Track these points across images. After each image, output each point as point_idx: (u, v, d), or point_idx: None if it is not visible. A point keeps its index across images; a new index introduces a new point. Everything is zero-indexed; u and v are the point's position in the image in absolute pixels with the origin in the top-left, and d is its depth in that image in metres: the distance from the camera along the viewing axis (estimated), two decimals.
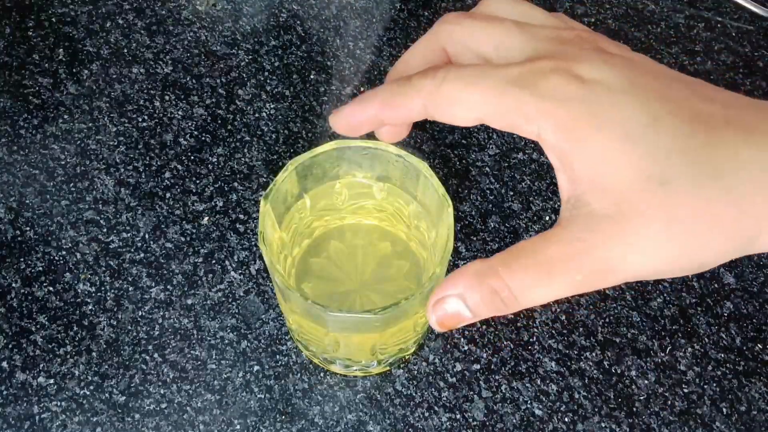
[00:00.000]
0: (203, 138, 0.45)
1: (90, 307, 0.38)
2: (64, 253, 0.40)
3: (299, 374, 0.37)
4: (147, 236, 0.41)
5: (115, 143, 0.44)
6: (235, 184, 0.43)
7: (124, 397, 0.36)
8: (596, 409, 0.37)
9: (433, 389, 0.37)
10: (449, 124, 0.22)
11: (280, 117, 0.46)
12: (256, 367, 0.37)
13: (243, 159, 0.44)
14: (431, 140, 0.46)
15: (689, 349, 0.39)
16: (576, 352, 0.38)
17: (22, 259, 0.40)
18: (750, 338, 0.39)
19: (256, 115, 0.46)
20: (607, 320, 0.39)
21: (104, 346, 0.37)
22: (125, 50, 0.49)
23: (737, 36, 0.52)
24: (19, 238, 0.40)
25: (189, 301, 0.39)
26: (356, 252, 0.36)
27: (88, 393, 0.36)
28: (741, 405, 0.37)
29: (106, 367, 0.37)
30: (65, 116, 0.45)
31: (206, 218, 0.42)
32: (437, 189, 0.32)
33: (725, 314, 0.40)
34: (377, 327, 0.31)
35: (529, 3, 0.25)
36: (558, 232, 0.20)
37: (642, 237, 0.19)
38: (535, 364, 0.38)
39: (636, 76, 0.20)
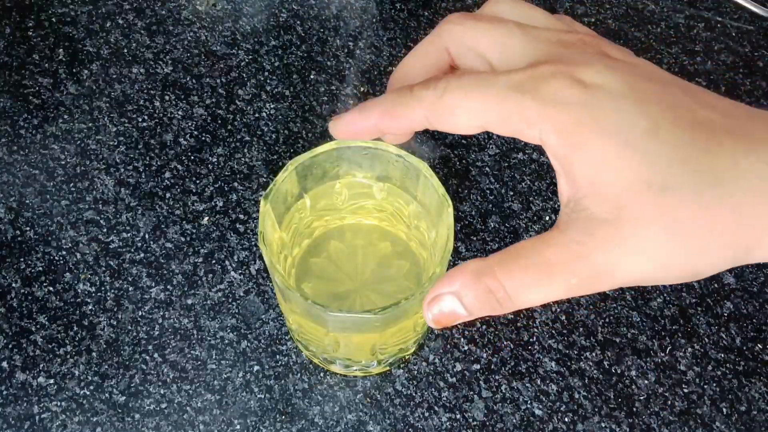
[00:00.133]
0: (203, 138, 0.45)
1: (90, 307, 0.38)
2: (64, 253, 0.40)
3: (299, 374, 0.37)
4: (147, 236, 0.41)
5: (115, 143, 0.44)
6: (235, 184, 0.43)
7: (124, 397, 0.36)
8: (596, 409, 0.37)
9: (433, 389, 0.37)
10: (452, 133, 0.22)
11: (280, 117, 0.46)
12: (256, 367, 0.37)
13: (243, 159, 0.44)
14: (431, 140, 0.46)
15: (689, 349, 0.39)
16: (576, 352, 0.38)
17: (22, 259, 0.40)
18: (750, 338, 0.39)
19: (256, 115, 0.46)
20: (607, 320, 0.39)
21: (104, 346, 0.37)
22: (125, 50, 0.49)
23: (737, 36, 0.52)
24: (19, 238, 0.40)
25: (189, 301, 0.39)
26: (356, 252, 0.36)
27: (88, 393, 0.36)
28: (741, 405, 0.37)
29: (106, 367, 0.37)
30: (65, 116, 0.45)
31: (206, 218, 0.42)
32: (437, 189, 0.32)
33: (725, 314, 0.40)
34: (377, 327, 0.31)
35: (533, 5, 0.25)
36: (556, 235, 0.21)
37: (639, 243, 0.19)
38: (535, 364, 0.38)
39: (637, 82, 0.20)
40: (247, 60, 0.49)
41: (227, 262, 0.40)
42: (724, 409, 0.37)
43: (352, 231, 0.37)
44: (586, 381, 0.37)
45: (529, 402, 0.37)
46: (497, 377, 0.37)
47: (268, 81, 0.48)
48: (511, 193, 0.44)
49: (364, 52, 0.50)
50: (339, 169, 0.35)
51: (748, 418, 0.37)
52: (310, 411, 0.36)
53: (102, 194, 0.42)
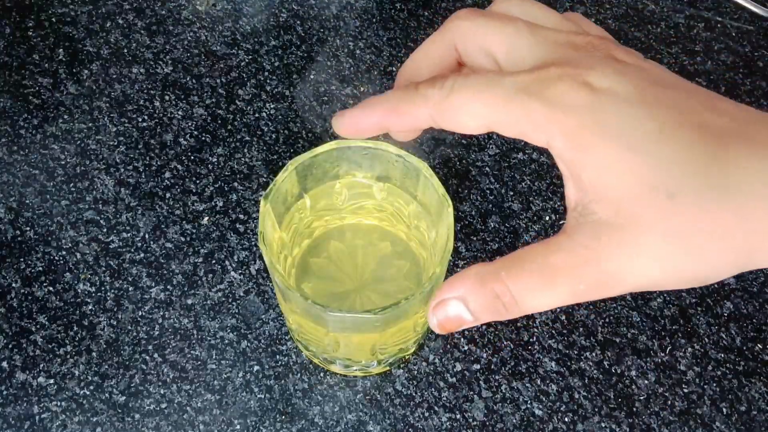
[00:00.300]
0: (203, 138, 0.45)
1: (90, 307, 0.38)
2: (64, 253, 0.40)
3: (299, 374, 0.37)
4: (147, 236, 0.41)
5: (115, 143, 0.44)
6: (235, 184, 0.43)
7: (124, 397, 0.36)
8: (596, 409, 0.37)
9: (433, 389, 0.37)
10: (457, 132, 0.22)
11: (280, 117, 0.46)
12: (256, 367, 0.37)
13: (243, 159, 0.44)
14: (431, 140, 0.46)
15: (689, 349, 0.39)
16: (576, 352, 0.38)
17: (22, 259, 0.40)
18: (750, 338, 0.39)
19: (256, 115, 0.46)
20: (607, 320, 0.39)
21: (104, 346, 0.37)
22: (125, 50, 0.49)
23: (737, 36, 0.52)
24: (19, 238, 0.40)
25: (189, 301, 0.39)
26: (356, 252, 0.36)
27: (88, 393, 0.36)
28: (741, 405, 0.37)
29: (106, 367, 0.37)
30: (65, 116, 0.45)
31: (206, 218, 0.42)
32: (437, 189, 0.32)
33: (725, 314, 0.40)
34: (377, 327, 0.31)
35: (543, 5, 0.25)
36: (563, 240, 0.20)
37: (645, 248, 0.19)
38: (535, 364, 0.38)
39: (646, 86, 0.20)
40: (247, 60, 0.49)
41: (227, 262, 0.40)
42: (724, 409, 0.37)
43: (352, 231, 0.37)
44: (586, 381, 0.37)
45: (529, 402, 0.37)
46: (497, 377, 0.37)
47: (268, 81, 0.48)
48: (511, 193, 0.44)
49: (364, 52, 0.50)
50: (339, 169, 0.35)
51: (748, 418, 0.37)
52: (310, 411, 0.36)
53: (102, 194, 0.42)
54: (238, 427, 0.35)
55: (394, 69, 0.49)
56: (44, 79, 0.47)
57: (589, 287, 0.20)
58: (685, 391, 0.37)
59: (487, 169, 0.45)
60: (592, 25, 0.24)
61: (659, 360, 0.38)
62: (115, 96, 0.47)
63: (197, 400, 0.36)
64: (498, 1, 0.25)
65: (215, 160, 0.44)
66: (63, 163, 0.43)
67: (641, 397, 0.37)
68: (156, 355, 0.37)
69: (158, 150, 0.44)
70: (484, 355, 0.38)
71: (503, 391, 0.37)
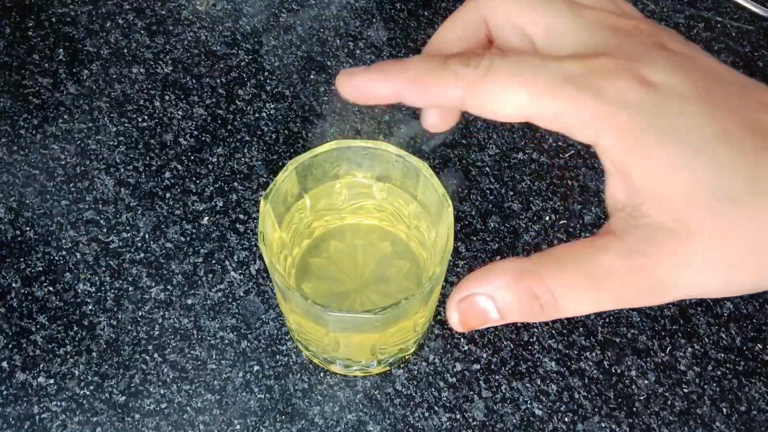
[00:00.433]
0: (203, 138, 0.45)
1: (90, 307, 0.38)
2: (64, 253, 0.40)
3: (299, 374, 0.37)
4: (147, 236, 0.41)
5: (115, 143, 0.44)
6: (235, 184, 0.43)
7: (124, 397, 0.36)
8: (596, 409, 0.37)
9: (433, 389, 0.37)
10: (488, 119, 0.20)
11: (280, 117, 0.46)
12: (256, 367, 0.37)
13: (243, 159, 0.44)
14: (431, 140, 0.46)
15: (689, 349, 0.39)
16: (576, 352, 0.38)
17: (22, 259, 0.40)
18: (750, 338, 0.39)
19: (256, 115, 0.46)
20: (607, 320, 0.39)
21: (104, 346, 0.37)
22: (125, 50, 0.49)
23: (737, 36, 0.52)
24: (19, 238, 0.40)
25: (189, 301, 0.39)
26: (356, 252, 0.36)
27: (88, 393, 0.36)
28: (741, 405, 0.37)
29: (106, 367, 0.37)
30: (65, 116, 0.45)
31: (206, 218, 0.42)
32: (437, 189, 0.32)
33: (725, 314, 0.40)
34: (377, 327, 0.31)
35: None
36: (613, 242, 0.19)
37: (706, 258, 0.18)
38: (535, 364, 0.38)
39: (700, 80, 0.19)
40: (247, 60, 0.49)
41: (227, 262, 0.40)
42: (724, 409, 0.37)
43: (352, 231, 0.37)
44: (586, 381, 0.37)
45: (529, 402, 0.37)
46: (497, 377, 0.37)
47: (268, 81, 0.48)
48: (511, 193, 0.44)
49: (364, 52, 0.50)
50: (339, 169, 0.35)
51: (748, 418, 0.37)
52: (310, 411, 0.36)
53: (102, 194, 0.42)
54: (238, 427, 0.35)
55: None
56: (44, 79, 0.47)
57: (637, 294, 0.19)
58: (685, 391, 0.37)
59: (487, 169, 0.45)
60: (630, 6, 0.23)
61: (659, 360, 0.38)
62: (115, 96, 0.47)
63: (197, 400, 0.36)
64: None
65: (215, 160, 0.44)
66: (63, 163, 0.43)
67: (641, 397, 0.37)
68: (156, 355, 0.37)
69: (158, 150, 0.44)
70: (484, 355, 0.38)
71: (503, 391, 0.37)
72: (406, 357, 0.37)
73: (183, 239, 0.41)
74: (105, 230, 0.41)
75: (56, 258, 0.40)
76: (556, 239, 0.42)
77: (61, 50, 0.48)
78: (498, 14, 0.22)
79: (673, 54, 0.20)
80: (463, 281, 0.21)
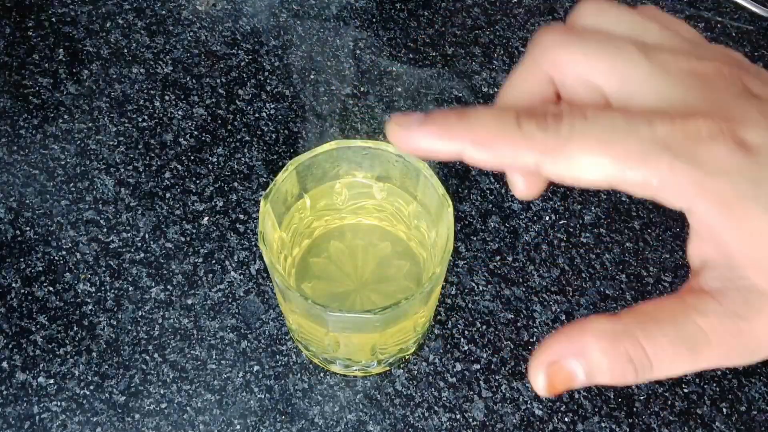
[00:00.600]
0: (203, 138, 0.45)
1: (90, 307, 0.38)
2: (64, 253, 0.40)
3: (299, 374, 0.37)
4: (147, 236, 0.41)
5: (115, 143, 0.44)
6: (235, 184, 0.43)
7: (124, 397, 0.36)
8: (596, 409, 0.37)
9: (433, 389, 0.37)
10: (567, 185, 0.19)
11: (280, 117, 0.46)
12: (256, 367, 0.37)
13: (243, 159, 0.44)
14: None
15: None
16: None
17: (22, 259, 0.40)
18: None
19: (256, 115, 0.46)
20: None
21: (104, 346, 0.37)
22: (125, 50, 0.49)
23: (737, 36, 0.52)
24: (19, 238, 0.40)
25: (189, 301, 0.39)
26: (356, 252, 0.36)
27: (88, 393, 0.36)
28: (741, 405, 0.37)
29: (106, 367, 0.37)
30: (65, 116, 0.45)
31: (206, 218, 0.42)
32: (437, 189, 0.32)
33: None
34: (377, 327, 0.31)
35: (636, 8, 0.21)
36: (710, 304, 0.18)
37: None
38: None
39: None
40: (247, 60, 0.49)
41: (227, 262, 0.40)
42: (724, 409, 0.37)
43: (352, 231, 0.37)
44: None
45: (529, 402, 0.37)
46: (497, 377, 0.37)
47: (268, 81, 0.48)
48: (511, 193, 0.44)
49: (364, 52, 0.50)
50: (339, 169, 0.35)
51: (748, 418, 0.37)
52: (310, 411, 0.36)
53: (102, 194, 0.42)
54: (238, 427, 0.35)
55: (394, 69, 0.49)
56: (44, 79, 0.47)
57: (734, 355, 0.18)
58: (685, 391, 0.37)
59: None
60: (688, 29, 0.21)
61: None
62: (115, 96, 0.47)
63: (197, 400, 0.36)
64: (584, 9, 0.21)
65: (215, 160, 0.44)
66: (63, 163, 0.43)
67: (641, 397, 0.37)
68: (156, 355, 0.37)
69: (158, 150, 0.44)
70: (484, 355, 0.38)
71: (503, 391, 0.37)
72: (406, 357, 0.37)
73: (183, 239, 0.41)
74: (105, 230, 0.41)
75: (56, 258, 0.40)
76: (556, 239, 0.42)
77: (61, 50, 0.48)
78: (564, 71, 0.20)
79: (763, 105, 0.19)
80: (550, 342, 0.19)
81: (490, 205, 0.43)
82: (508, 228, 0.42)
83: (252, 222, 0.42)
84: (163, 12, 0.51)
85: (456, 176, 0.44)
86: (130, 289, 0.39)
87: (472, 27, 0.52)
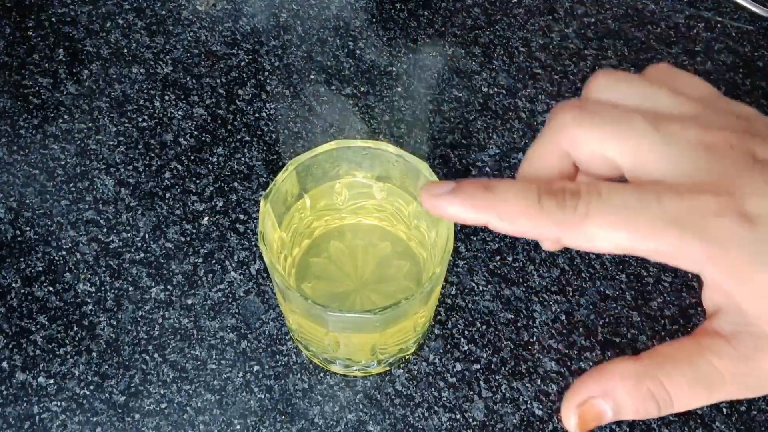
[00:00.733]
0: (203, 138, 0.45)
1: (90, 307, 0.38)
2: (64, 253, 0.40)
3: (299, 374, 0.37)
4: (147, 236, 0.41)
5: (115, 143, 0.44)
6: (235, 184, 0.43)
7: (124, 397, 0.36)
8: None
9: (433, 389, 0.37)
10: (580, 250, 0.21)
11: (280, 117, 0.46)
12: (256, 367, 0.37)
13: (243, 159, 0.44)
14: (431, 140, 0.46)
15: None
16: (576, 352, 0.38)
17: (22, 259, 0.40)
18: None
19: (256, 115, 0.46)
20: (607, 320, 0.39)
21: (104, 346, 0.37)
22: (125, 50, 0.49)
23: (737, 36, 0.52)
24: (19, 238, 0.40)
25: (189, 301, 0.39)
26: (356, 252, 0.36)
27: (88, 393, 0.36)
28: (741, 405, 0.37)
29: (106, 367, 0.37)
30: (65, 116, 0.45)
31: (206, 218, 0.42)
32: None
33: None
34: (377, 327, 0.31)
35: (636, 77, 0.22)
36: (724, 346, 0.20)
37: None
38: (535, 364, 0.38)
39: None
40: (247, 60, 0.49)
41: (227, 262, 0.40)
42: (724, 409, 0.37)
43: (352, 231, 0.37)
44: None
45: (529, 402, 0.37)
46: (497, 377, 0.37)
47: (268, 81, 0.48)
48: None
49: (364, 52, 0.50)
50: (339, 169, 0.35)
51: (748, 418, 0.37)
52: (310, 411, 0.36)
53: (102, 194, 0.42)
54: (238, 427, 0.35)
55: (394, 69, 0.49)
56: (44, 79, 0.47)
57: (748, 391, 0.20)
58: None
59: (487, 169, 0.45)
60: (700, 84, 0.23)
61: None
62: (115, 96, 0.47)
63: (197, 400, 0.36)
64: (596, 83, 0.23)
65: (215, 160, 0.44)
66: (63, 163, 0.43)
67: None
68: (156, 355, 0.37)
69: (158, 150, 0.44)
70: (484, 355, 0.38)
71: (503, 391, 0.37)
72: (406, 357, 0.37)
73: (183, 239, 0.41)
74: (105, 230, 0.41)
75: (56, 258, 0.40)
76: None
77: (61, 50, 0.48)
78: (580, 149, 0.22)
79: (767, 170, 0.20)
80: (578, 384, 0.21)
81: None
82: None
83: (252, 222, 0.42)
84: (163, 12, 0.51)
85: (456, 176, 0.44)
86: (130, 289, 0.39)
87: (472, 27, 0.52)
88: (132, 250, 0.40)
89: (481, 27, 0.52)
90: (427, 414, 0.36)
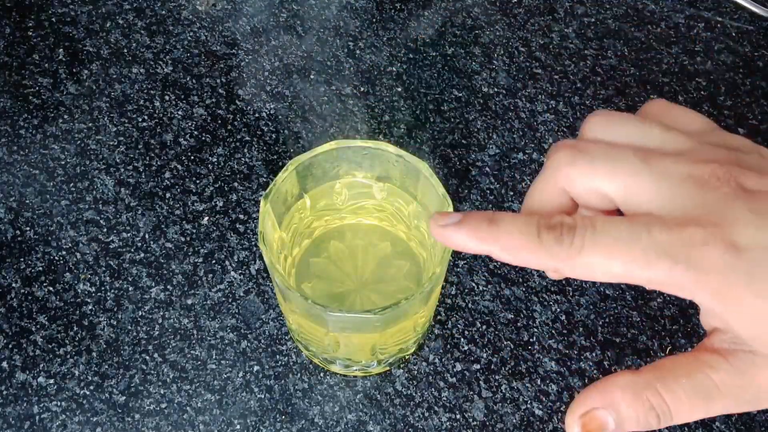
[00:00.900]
0: (203, 138, 0.45)
1: (90, 307, 0.38)
2: (64, 253, 0.40)
3: (299, 374, 0.37)
4: (147, 236, 0.41)
5: (115, 143, 0.44)
6: (235, 184, 0.43)
7: (124, 397, 0.36)
8: None
9: (433, 389, 0.37)
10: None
11: (280, 117, 0.46)
12: (256, 367, 0.37)
13: (243, 159, 0.44)
14: (431, 140, 0.46)
15: (689, 348, 0.39)
16: (576, 352, 0.38)
17: (22, 259, 0.40)
18: None
19: (256, 115, 0.46)
20: (607, 320, 0.39)
21: (104, 346, 0.37)
22: (125, 50, 0.49)
23: (737, 36, 0.52)
24: (19, 238, 0.40)
25: (189, 301, 0.39)
26: (356, 252, 0.36)
27: (88, 393, 0.36)
28: None
29: (106, 367, 0.37)
30: (65, 116, 0.45)
31: (206, 218, 0.42)
32: (437, 189, 0.32)
33: None
34: (377, 327, 0.31)
35: (629, 115, 0.23)
36: (721, 362, 0.21)
37: None
38: (535, 364, 0.38)
39: None
40: (247, 60, 0.49)
41: (227, 262, 0.40)
42: None
43: (352, 231, 0.37)
44: (586, 381, 0.37)
45: (529, 402, 0.37)
46: (497, 377, 0.37)
47: (268, 81, 0.48)
48: (511, 193, 0.44)
49: (364, 52, 0.50)
50: (339, 169, 0.35)
51: (748, 418, 0.37)
52: (310, 411, 0.36)
53: (102, 194, 0.42)
54: (238, 427, 0.35)
55: (394, 69, 0.49)
56: (44, 79, 0.47)
57: (744, 404, 0.21)
58: None
59: (487, 169, 0.45)
60: (686, 118, 0.24)
61: None
62: (115, 96, 0.47)
63: (197, 400, 0.36)
64: (591, 123, 0.24)
65: (215, 160, 0.44)
66: (63, 163, 0.43)
67: None
68: (156, 355, 0.37)
69: (158, 150, 0.44)
70: (484, 355, 0.38)
71: (503, 391, 0.37)
72: (406, 357, 0.37)
73: (183, 239, 0.41)
74: (105, 230, 0.41)
75: (56, 258, 0.40)
76: None
77: (61, 50, 0.48)
78: (575, 186, 0.23)
79: (755, 201, 0.21)
80: (582, 396, 0.22)
81: (490, 205, 0.43)
82: None
83: (252, 222, 0.42)
84: (163, 12, 0.51)
85: (456, 176, 0.44)
86: (130, 289, 0.39)
87: (472, 27, 0.52)
88: (132, 250, 0.40)
89: (481, 27, 0.52)
90: (427, 414, 0.36)
